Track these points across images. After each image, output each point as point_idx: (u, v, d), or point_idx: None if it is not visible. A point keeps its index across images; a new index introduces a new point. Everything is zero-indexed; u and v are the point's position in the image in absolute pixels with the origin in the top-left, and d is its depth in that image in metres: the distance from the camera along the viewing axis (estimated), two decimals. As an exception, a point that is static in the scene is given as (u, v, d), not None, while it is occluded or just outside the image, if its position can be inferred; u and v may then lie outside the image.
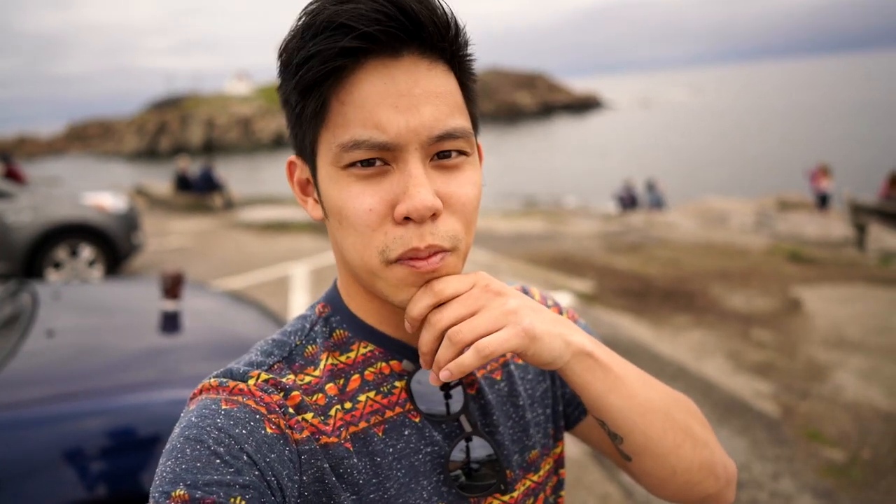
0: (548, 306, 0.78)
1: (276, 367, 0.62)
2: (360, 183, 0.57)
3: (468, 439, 0.65)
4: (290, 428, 0.57)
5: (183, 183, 14.09)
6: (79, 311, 2.84)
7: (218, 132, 53.04)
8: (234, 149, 49.79)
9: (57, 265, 6.49)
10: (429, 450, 0.63)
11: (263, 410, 0.57)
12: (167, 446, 0.55)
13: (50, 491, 1.84)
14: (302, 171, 0.65)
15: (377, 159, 0.56)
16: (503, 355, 0.72)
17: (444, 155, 0.58)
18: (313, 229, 9.93)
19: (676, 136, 39.36)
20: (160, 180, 20.01)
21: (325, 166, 0.59)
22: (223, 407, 0.56)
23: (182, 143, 50.75)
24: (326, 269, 7.13)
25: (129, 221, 7.12)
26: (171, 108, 56.95)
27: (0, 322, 2.47)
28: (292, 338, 0.65)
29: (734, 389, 3.98)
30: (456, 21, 0.58)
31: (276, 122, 53.90)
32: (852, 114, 43.88)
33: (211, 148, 48.43)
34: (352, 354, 0.64)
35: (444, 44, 0.57)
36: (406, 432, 0.63)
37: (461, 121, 0.59)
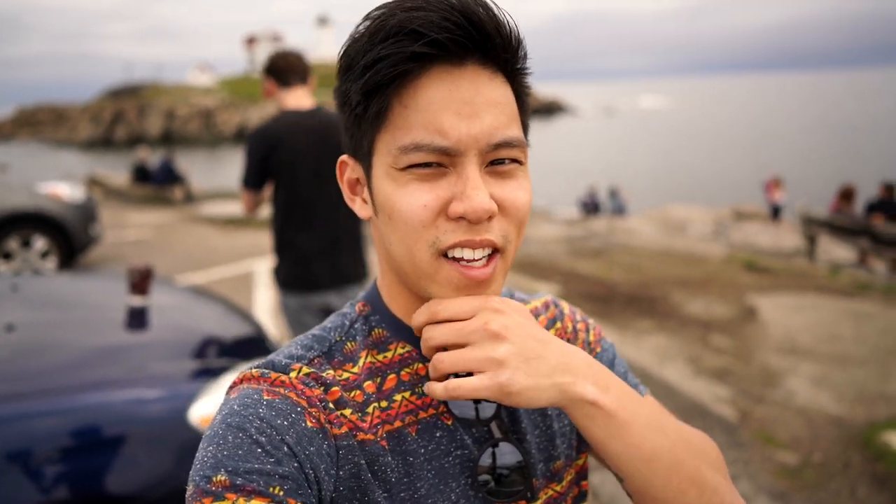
0: (575, 322, 0.81)
1: (315, 361, 0.63)
2: (416, 182, 0.58)
3: (495, 445, 0.65)
4: (330, 423, 0.58)
5: (142, 174, 13.71)
6: (40, 304, 2.75)
7: (178, 123, 51.76)
8: (194, 141, 48.67)
9: (7, 256, 6.23)
10: (459, 453, 0.64)
11: (304, 404, 0.58)
12: (208, 432, 0.56)
13: (4, 495, 1.77)
14: (353, 171, 0.67)
15: (435, 162, 0.58)
16: None
17: (497, 161, 0.60)
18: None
19: (639, 143, 40.20)
20: (116, 171, 19.41)
21: (383, 166, 0.60)
22: (265, 397, 0.58)
23: (140, 133, 49.37)
24: (291, 267, 7.03)
25: (87, 212, 6.87)
26: (129, 96, 55.31)
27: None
28: (332, 333, 0.66)
29: (694, 394, 4.09)
30: (518, 35, 0.60)
31: (240, 115, 52.91)
32: (810, 129, 45.59)
33: (170, 139, 47.23)
34: (389, 354, 0.66)
35: (506, 55, 0.59)
36: (438, 434, 0.64)
37: (517, 131, 0.61)
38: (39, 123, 60.51)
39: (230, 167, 32.30)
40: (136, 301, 2.62)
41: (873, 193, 9.56)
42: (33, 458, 1.82)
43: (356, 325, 0.66)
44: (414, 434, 0.63)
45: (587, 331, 0.82)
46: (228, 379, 2.16)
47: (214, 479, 0.52)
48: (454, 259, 0.59)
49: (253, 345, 2.64)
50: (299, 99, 2.70)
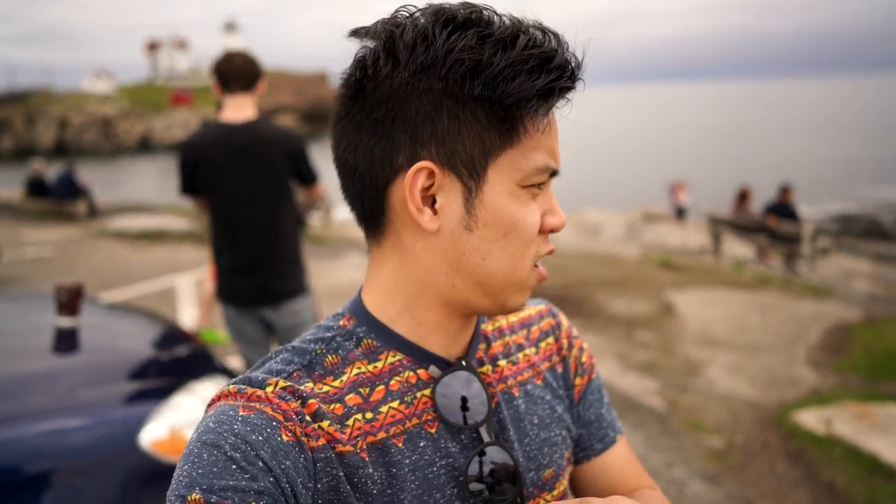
0: (571, 337, 0.82)
1: (294, 374, 0.62)
2: (532, 200, 0.63)
3: (482, 454, 0.65)
4: (307, 435, 0.58)
5: (38, 187, 12.72)
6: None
7: (73, 133, 48.38)
8: (92, 152, 45.67)
9: None
10: (443, 462, 0.64)
11: (280, 417, 0.57)
12: (185, 451, 0.56)
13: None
14: (429, 179, 0.61)
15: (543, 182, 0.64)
16: (522, 373, 0.74)
17: None
18: (194, 239, 9.38)
19: (550, 151, 41.42)
20: (3, 185, 17.95)
21: (505, 182, 0.61)
22: (240, 413, 0.57)
23: (29, 144, 45.75)
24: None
25: (-18, 230, 6.33)
26: (15, 104, 51.09)
27: None
28: (312, 346, 0.65)
29: (626, 388, 4.30)
30: None
31: (143, 125, 50.20)
32: (706, 136, 48.81)
33: (64, 150, 44.07)
34: (380, 364, 0.65)
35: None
36: (422, 444, 0.64)
37: None
38: None
39: (135, 179, 30.64)
40: (65, 322, 2.45)
41: (768, 194, 10.39)
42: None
43: (338, 339, 0.65)
44: (400, 445, 0.62)
45: (581, 350, 0.82)
46: (180, 399, 2.07)
47: (189, 497, 0.52)
48: (535, 266, 0.66)
49: (197, 361, 2.53)
50: (236, 108, 2.58)
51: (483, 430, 0.66)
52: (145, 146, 48.00)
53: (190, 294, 6.35)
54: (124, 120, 50.28)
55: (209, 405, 0.60)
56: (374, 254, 0.67)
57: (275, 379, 0.60)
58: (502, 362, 0.73)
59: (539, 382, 0.75)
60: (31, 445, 1.85)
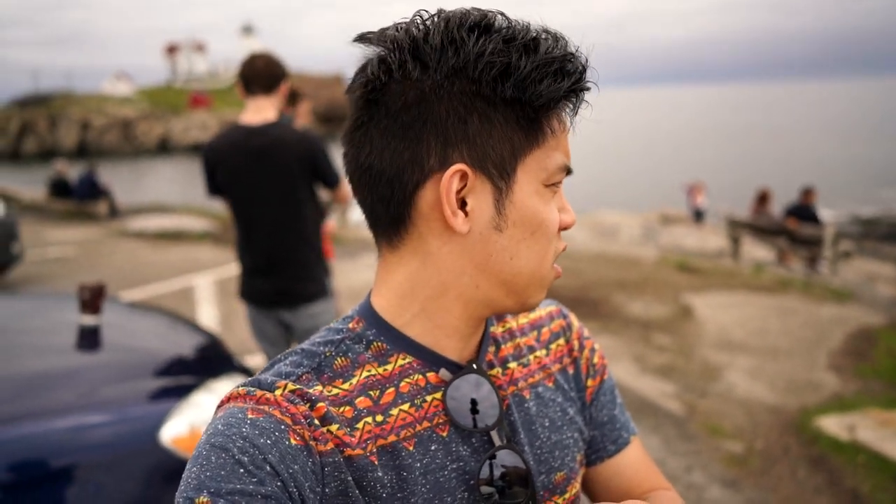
0: (582, 338, 0.81)
1: (304, 377, 0.62)
2: (552, 199, 0.65)
3: (493, 457, 0.65)
4: (315, 439, 0.58)
5: (61, 188, 12.94)
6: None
7: (94, 135, 49.13)
8: (113, 153, 46.34)
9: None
10: (455, 466, 0.64)
11: (288, 421, 0.57)
12: (194, 452, 0.56)
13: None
14: (462, 181, 0.60)
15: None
16: (533, 375, 0.74)
17: None
18: (212, 239, 9.47)
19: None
20: (28, 185, 18.25)
21: (532, 182, 0.62)
22: (249, 416, 0.56)
23: (52, 146, 46.56)
24: (231, 281, 6.83)
25: (6, 229, 6.48)
26: (39, 106, 51.96)
27: None
28: (322, 348, 0.65)
29: (643, 391, 4.26)
30: None
31: (162, 127, 50.84)
32: (727, 137, 48.32)
33: (86, 152, 44.76)
34: (389, 366, 0.64)
35: None
36: (433, 447, 0.63)
37: None
38: (-64, 135, 55.97)
39: (154, 180, 31.01)
40: (88, 320, 2.49)
41: (786, 196, 10.26)
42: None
43: (347, 342, 0.65)
44: (410, 448, 0.62)
45: (593, 351, 0.81)
46: (199, 397, 2.09)
47: (197, 500, 0.53)
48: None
49: (216, 359, 2.56)
50: (256, 111, 2.60)
51: (494, 434, 0.66)
52: (164, 148, 48.58)
53: (208, 293, 6.42)
54: (144, 122, 50.95)
55: (219, 406, 0.61)
56: (386, 258, 0.66)
57: (284, 382, 0.60)
58: (513, 364, 0.72)
59: (550, 384, 0.75)
60: (55, 441, 1.87)
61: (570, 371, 0.78)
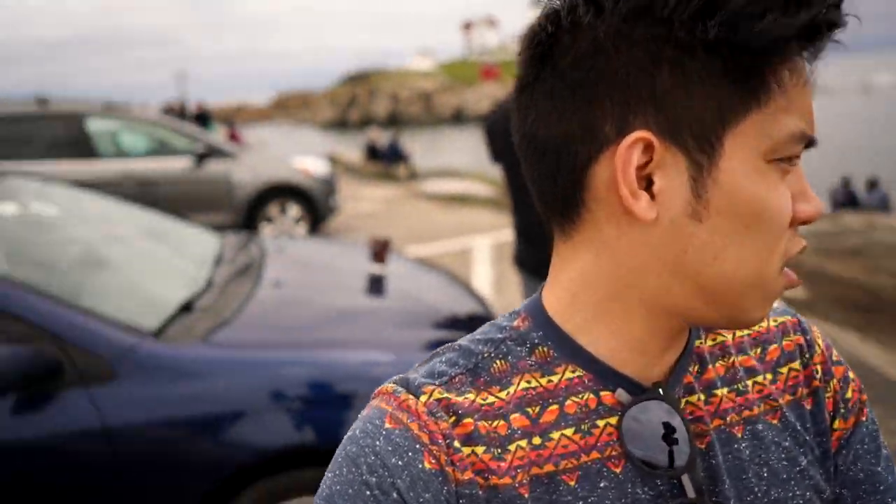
0: (830, 363, 0.61)
1: (457, 380, 0.52)
2: (782, 180, 0.48)
3: None
4: (452, 464, 0.49)
5: (372, 152, 15.01)
6: (299, 266, 3.07)
7: (401, 106, 55.76)
8: (415, 122, 52.06)
9: (269, 220, 7.24)
10: None
11: (425, 439, 0.49)
12: (336, 451, 0.52)
13: (269, 430, 1.97)
14: (647, 155, 0.47)
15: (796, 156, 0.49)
16: (750, 408, 0.56)
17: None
18: (493, 205, 10.00)
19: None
20: (349, 149, 21.47)
21: (748, 156, 0.47)
22: (386, 425, 0.50)
23: (369, 116, 54.09)
24: (507, 246, 7.13)
25: (329, 185, 7.78)
26: (361, 82, 60.89)
27: (236, 269, 2.72)
28: (480, 346, 0.54)
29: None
30: None
31: (457, 98, 55.29)
32: None
33: (394, 121, 51.06)
34: (555, 378, 0.52)
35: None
36: (602, 484, 0.51)
37: None
38: (290, 107, 69.53)
39: (449, 148, 33.95)
40: (376, 269, 2.80)
41: None
42: (285, 401, 2.00)
43: (509, 343, 0.54)
44: (572, 483, 0.50)
45: (845, 381, 0.61)
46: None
47: None
48: (781, 269, 0.50)
49: (480, 321, 2.66)
50: None
51: (686, 479, 0.51)
52: (458, 118, 52.72)
53: (485, 255, 6.80)
54: (441, 94, 56.05)
55: (372, 397, 0.55)
56: (559, 248, 0.55)
57: (432, 387, 0.52)
58: (722, 391, 0.56)
59: (775, 422, 0.57)
60: (347, 370, 2.13)
61: (808, 406, 0.59)
